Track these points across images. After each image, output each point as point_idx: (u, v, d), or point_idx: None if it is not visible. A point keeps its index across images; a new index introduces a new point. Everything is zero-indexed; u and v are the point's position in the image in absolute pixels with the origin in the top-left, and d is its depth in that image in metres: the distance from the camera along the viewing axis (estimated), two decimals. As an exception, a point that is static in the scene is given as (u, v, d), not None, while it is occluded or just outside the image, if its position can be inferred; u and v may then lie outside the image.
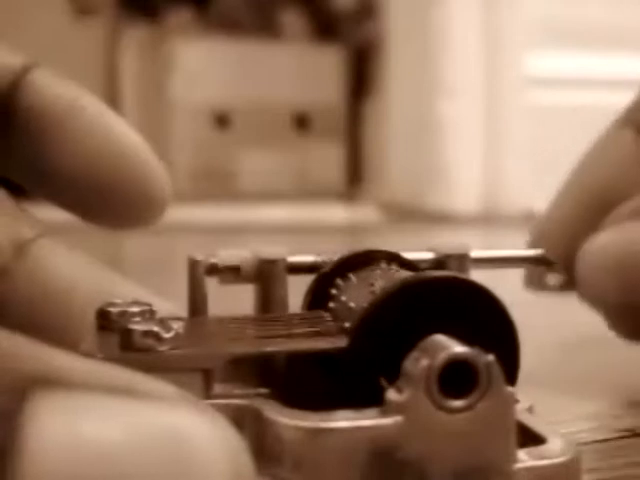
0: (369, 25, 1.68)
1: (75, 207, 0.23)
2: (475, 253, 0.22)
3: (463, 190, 1.27)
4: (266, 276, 0.20)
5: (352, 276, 0.20)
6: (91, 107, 0.22)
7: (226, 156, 1.74)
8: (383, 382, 0.17)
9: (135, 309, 0.18)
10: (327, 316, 0.20)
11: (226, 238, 0.87)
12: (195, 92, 1.72)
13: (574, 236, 0.28)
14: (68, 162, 0.22)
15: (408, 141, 1.33)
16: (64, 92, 0.22)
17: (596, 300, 0.28)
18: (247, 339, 0.18)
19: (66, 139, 0.22)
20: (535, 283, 0.28)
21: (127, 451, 0.10)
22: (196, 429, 0.11)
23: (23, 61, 0.22)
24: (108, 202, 0.22)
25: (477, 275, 0.20)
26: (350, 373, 0.17)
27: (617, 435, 0.23)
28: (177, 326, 0.17)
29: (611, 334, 0.29)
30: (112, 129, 0.22)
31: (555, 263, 0.23)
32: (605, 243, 0.27)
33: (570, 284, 0.27)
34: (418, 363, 0.15)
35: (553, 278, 0.23)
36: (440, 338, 0.16)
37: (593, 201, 0.29)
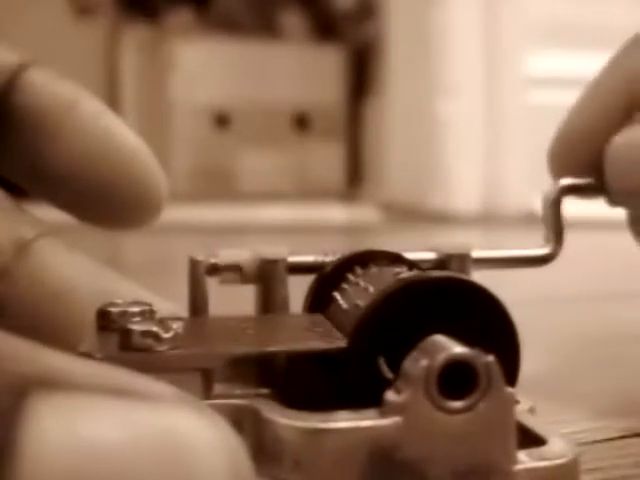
0: (369, 25, 1.68)
1: (72, 207, 0.23)
2: (476, 253, 0.22)
3: (463, 190, 1.27)
4: (267, 276, 0.20)
5: (352, 276, 0.20)
6: (89, 107, 0.22)
7: (226, 156, 1.74)
8: (383, 366, 0.17)
9: (135, 309, 0.18)
10: (327, 316, 0.20)
11: (226, 238, 0.87)
12: (195, 92, 1.72)
13: (602, 133, 0.27)
14: (65, 162, 0.22)
15: (408, 141, 1.33)
16: (61, 91, 0.22)
17: (625, 197, 0.27)
18: (247, 339, 0.18)
19: (63, 138, 0.22)
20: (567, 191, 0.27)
21: (126, 451, 0.10)
22: (195, 429, 0.11)
23: (20, 59, 0.22)
24: (105, 202, 0.22)
25: (477, 275, 0.20)
26: (350, 373, 0.17)
27: (617, 435, 0.23)
28: (177, 326, 0.17)
29: (611, 334, 0.29)
30: (110, 129, 0.22)
31: (554, 257, 0.23)
32: (634, 137, 0.26)
33: (600, 187, 0.26)
34: (418, 363, 0.15)
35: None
36: (440, 339, 0.16)
37: (620, 98, 0.28)
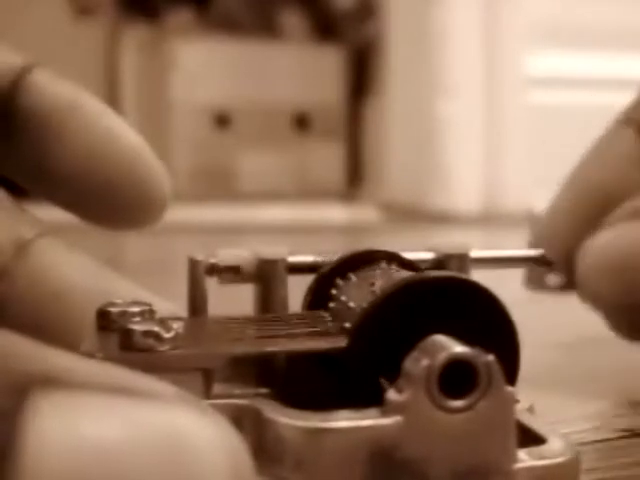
0: (369, 25, 1.68)
1: (75, 207, 0.23)
2: (475, 253, 0.22)
3: (463, 190, 1.27)
4: (266, 276, 0.20)
5: (352, 276, 0.20)
6: (91, 107, 0.22)
7: (226, 156, 1.74)
8: (383, 382, 0.17)
9: (135, 309, 0.18)
10: (327, 316, 0.20)
11: (226, 238, 0.87)
12: (195, 92, 1.72)
13: (575, 235, 0.28)
14: (68, 162, 0.22)
15: (408, 141, 1.33)
16: (64, 92, 0.22)
17: (596, 301, 0.28)
18: (247, 339, 0.18)
19: (66, 139, 0.22)
20: (535, 283, 0.28)
21: (127, 451, 0.10)
22: (196, 429, 0.11)
23: (23, 61, 0.22)
24: (108, 202, 0.22)
25: (477, 275, 0.20)
26: (350, 373, 0.17)
27: (617, 435, 0.23)
28: (177, 326, 0.17)
29: (611, 334, 0.29)
30: (112, 129, 0.22)
31: (555, 263, 0.23)
32: (605, 243, 0.27)
33: (570, 284, 0.27)
34: (418, 363, 0.15)
35: (553, 278, 0.23)
36: (440, 338, 0.16)
37: (593, 200, 0.29)
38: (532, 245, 0.30)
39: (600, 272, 0.27)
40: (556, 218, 0.30)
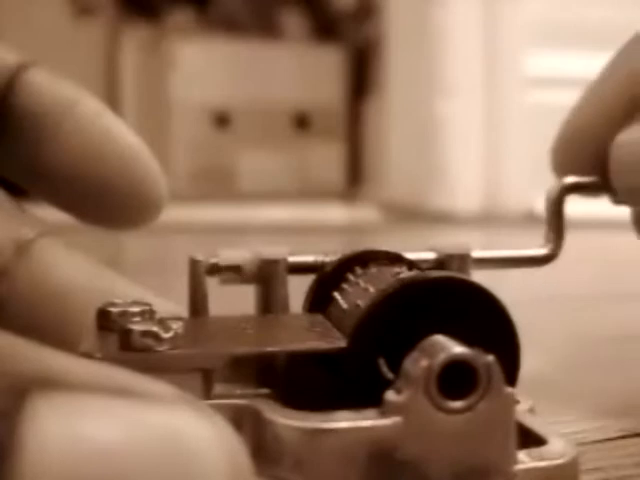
0: (369, 25, 1.68)
1: (72, 207, 0.23)
2: (476, 253, 0.22)
3: (463, 190, 1.27)
4: (267, 276, 0.20)
5: (352, 276, 0.20)
6: (88, 107, 0.22)
7: (226, 156, 1.74)
8: (385, 371, 0.17)
9: (135, 309, 0.18)
10: (327, 316, 0.20)
11: (226, 238, 0.87)
12: (195, 92, 1.72)
13: (606, 131, 0.27)
14: (64, 162, 0.22)
15: (408, 141, 1.33)
16: (61, 91, 0.22)
17: (631, 195, 0.26)
18: (247, 339, 0.18)
19: (63, 139, 0.22)
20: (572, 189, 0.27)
21: (126, 451, 0.10)
22: (195, 429, 0.11)
23: (19, 60, 0.22)
24: (104, 202, 0.22)
25: (477, 275, 0.20)
26: (350, 373, 0.17)
27: (618, 435, 0.23)
28: (176, 326, 0.17)
29: (611, 334, 0.29)
30: (110, 129, 0.22)
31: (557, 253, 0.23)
32: (638, 136, 0.26)
33: (604, 185, 0.26)
34: (417, 364, 0.15)
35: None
36: (440, 339, 0.16)
37: (623, 96, 0.28)
38: (561, 140, 0.28)
39: (634, 165, 0.26)
40: (585, 113, 0.29)
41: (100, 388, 0.11)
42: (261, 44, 1.76)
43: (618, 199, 0.26)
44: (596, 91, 0.29)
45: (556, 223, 0.25)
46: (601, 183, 0.26)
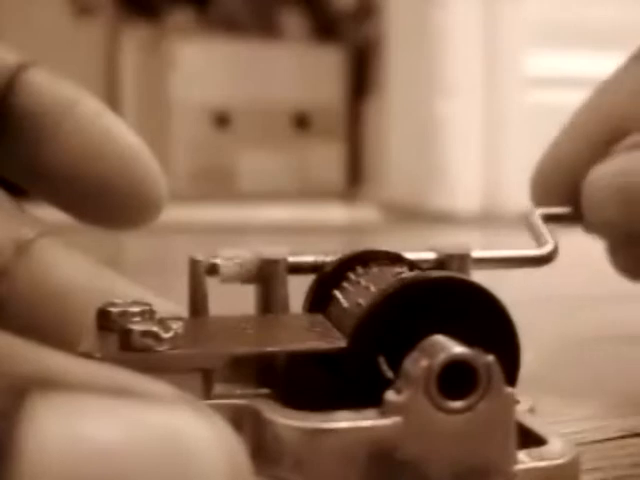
0: (369, 25, 1.68)
1: (71, 207, 0.23)
2: (476, 253, 0.22)
3: (463, 190, 1.27)
4: (267, 276, 0.20)
5: (352, 276, 0.20)
6: (88, 107, 0.22)
7: (226, 156, 1.74)
8: (385, 370, 0.17)
9: (135, 309, 0.18)
10: (327, 316, 0.20)
11: (226, 238, 0.87)
12: (195, 92, 1.72)
13: (580, 166, 0.28)
14: (64, 162, 0.22)
15: (408, 141, 1.33)
16: (61, 91, 0.22)
17: (601, 229, 0.27)
18: (247, 339, 0.18)
19: (62, 139, 0.22)
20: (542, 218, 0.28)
21: (125, 451, 0.10)
22: (194, 430, 0.11)
23: (19, 60, 0.22)
24: (104, 202, 0.22)
25: (477, 275, 0.20)
26: (350, 373, 0.17)
27: (617, 435, 0.23)
28: (176, 326, 0.17)
29: (611, 334, 0.29)
30: (110, 129, 0.22)
31: (553, 258, 0.23)
32: (612, 170, 0.26)
33: (576, 216, 0.27)
34: (417, 363, 0.15)
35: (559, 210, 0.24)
36: (440, 338, 0.16)
37: (599, 133, 0.28)
38: (537, 176, 0.29)
39: (606, 199, 0.26)
40: (562, 148, 0.30)
41: (100, 388, 0.11)
42: (261, 44, 1.76)
43: (590, 230, 0.27)
44: (574, 124, 0.30)
45: (538, 234, 0.25)
46: (574, 214, 0.27)
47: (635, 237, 0.27)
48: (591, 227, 0.27)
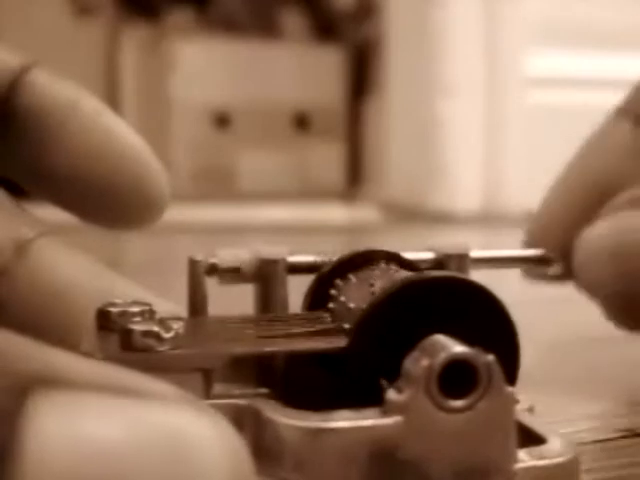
0: (369, 25, 1.68)
1: (74, 207, 0.23)
2: (475, 253, 0.22)
3: (463, 190, 1.27)
4: (266, 276, 0.20)
5: (352, 276, 0.20)
6: (90, 107, 0.22)
7: (226, 156, 1.74)
8: (383, 382, 0.17)
9: (135, 309, 0.18)
10: (327, 316, 0.20)
11: (226, 238, 0.87)
12: (195, 92, 1.72)
13: (571, 226, 0.28)
14: (67, 162, 0.22)
15: (408, 141, 1.33)
16: (62, 92, 0.22)
17: (593, 289, 0.28)
18: (247, 339, 0.18)
19: (65, 139, 0.22)
20: (533, 274, 0.29)
21: (127, 451, 0.10)
22: (196, 429, 0.11)
23: (22, 61, 0.22)
24: (106, 202, 0.22)
25: (477, 275, 0.20)
26: (350, 373, 0.17)
27: (617, 435, 0.23)
28: (177, 326, 0.17)
29: (611, 334, 0.29)
30: (111, 129, 0.22)
31: (555, 260, 0.23)
32: (601, 232, 0.27)
33: (567, 273, 0.28)
34: (418, 363, 0.15)
35: (552, 269, 0.23)
36: (440, 338, 0.16)
37: (589, 192, 0.29)
38: (528, 235, 0.30)
39: (597, 260, 0.27)
40: (552, 208, 0.31)
41: (101, 387, 0.11)
42: (261, 44, 1.76)
43: (581, 290, 0.28)
44: (564, 184, 0.30)
45: None
46: (566, 273, 0.27)
47: (629, 296, 0.27)
48: (582, 287, 0.28)
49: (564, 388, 0.28)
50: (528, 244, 0.30)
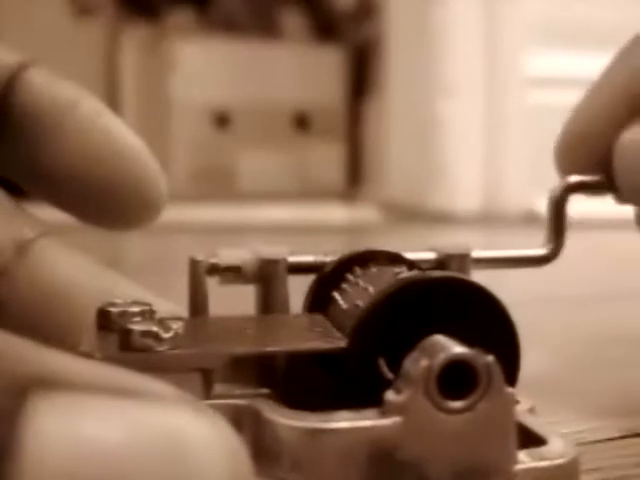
0: (369, 25, 1.68)
1: (72, 207, 0.23)
2: (476, 253, 0.22)
3: (463, 190, 1.27)
4: (267, 276, 0.20)
5: (352, 276, 0.20)
6: (89, 106, 0.22)
7: (226, 156, 1.74)
8: (385, 371, 0.17)
9: (135, 309, 0.18)
10: (327, 317, 0.20)
11: (226, 238, 0.87)
12: (195, 92, 1.72)
13: (610, 130, 0.27)
14: (64, 162, 0.22)
15: (408, 141, 1.33)
16: (61, 91, 0.22)
17: (635, 192, 0.26)
18: (247, 339, 0.18)
19: (63, 139, 0.22)
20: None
21: (126, 451, 0.10)
22: (195, 429, 0.11)
23: (19, 59, 0.22)
24: (105, 202, 0.22)
25: (477, 275, 0.20)
26: (350, 373, 0.17)
27: (618, 435, 0.23)
28: (176, 326, 0.17)
29: (611, 334, 0.29)
30: (110, 129, 0.22)
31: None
32: None
33: (608, 183, 0.26)
34: (417, 363, 0.15)
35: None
36: (440, 339, 0.16)
37: (626, 94, 0.28)
38: (564, 140, 0.28)
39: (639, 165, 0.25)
40: (588, 113, 0.29)
41: (100, 388, 0.11)
42: (261, 44, 1.76)
43: (622, 198, 0.26)
44: (598, 90, 0.29)
45: (557, 223, 0.25)
46: (605, 182, 0.26)
47: None
48: (624, 194, 0.26)
49: (564, 388, 0.28)
50: (562, 154, 0.28)
